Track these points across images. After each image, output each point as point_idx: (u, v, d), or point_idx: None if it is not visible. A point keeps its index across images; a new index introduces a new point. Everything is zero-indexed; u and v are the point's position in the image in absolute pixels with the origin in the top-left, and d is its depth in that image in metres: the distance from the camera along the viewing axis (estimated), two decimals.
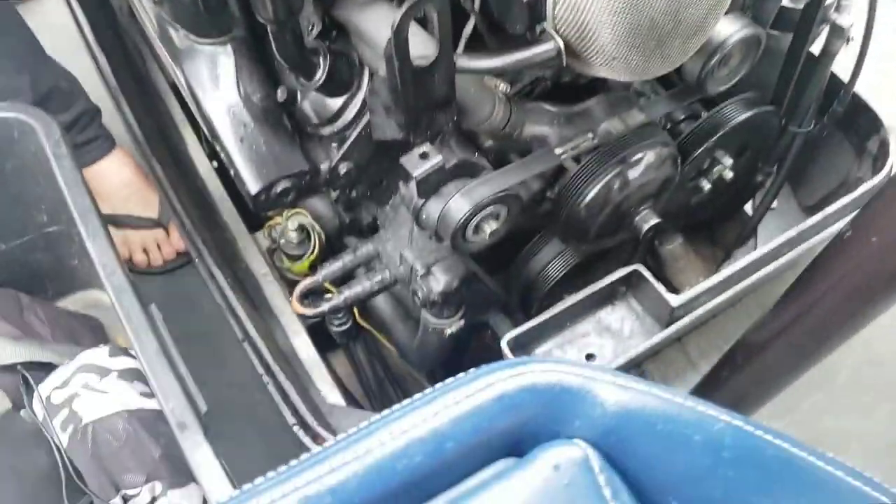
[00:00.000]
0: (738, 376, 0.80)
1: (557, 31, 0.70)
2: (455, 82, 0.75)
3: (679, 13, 0.69)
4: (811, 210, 1.27)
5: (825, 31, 1.00)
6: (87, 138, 1.36)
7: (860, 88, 1.11)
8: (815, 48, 1.02)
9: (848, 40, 1.00)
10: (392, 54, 0.67)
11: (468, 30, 0.84)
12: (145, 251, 1.39)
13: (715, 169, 1.06)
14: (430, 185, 0.81)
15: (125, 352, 0.91)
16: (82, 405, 0.84)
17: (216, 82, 0.89)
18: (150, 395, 0.90)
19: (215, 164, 1.25)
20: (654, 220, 0.93)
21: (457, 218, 0.78)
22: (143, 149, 1.13)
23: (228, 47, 0.88)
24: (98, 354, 0.88)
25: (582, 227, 0.91)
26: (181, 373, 0.72)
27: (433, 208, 0.82)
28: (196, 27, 0.86)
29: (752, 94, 1.01)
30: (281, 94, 0.88)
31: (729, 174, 1.06)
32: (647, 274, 0.91)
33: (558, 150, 0.83)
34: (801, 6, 0.87)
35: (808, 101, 1.08)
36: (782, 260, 1.00)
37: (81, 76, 1.44)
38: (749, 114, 0.99)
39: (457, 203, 0.79)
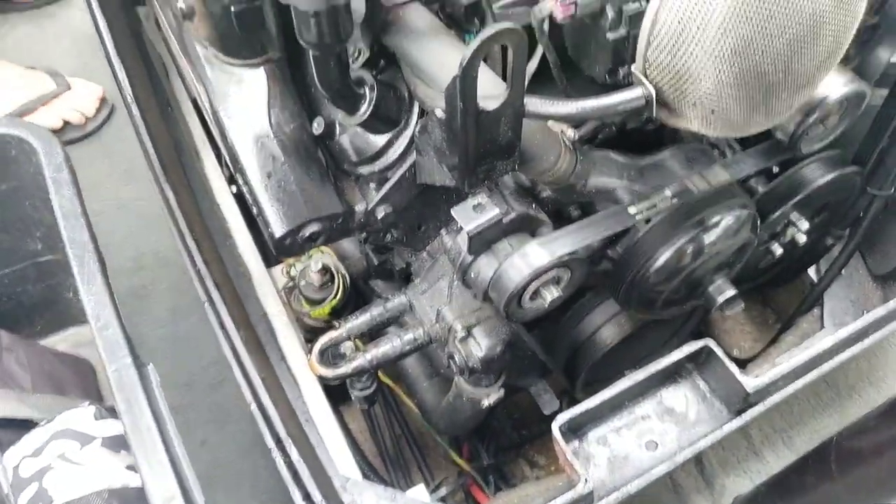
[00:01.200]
0: (830, 485, 0.68)
1: (648, 77, 0.60)
2: (521, 127, 0.65)
3: (791, 62, 0.59)
4: (882, 280, 1.16)
5: None
6: None
7: None
8: None
9: None
10: (456, 94, 0.57)
11: (532, 67, 0.74)
12: (66, 122, 1.46)
13: (789, 232, 0.95)
14: (483, 241, 0.71)
15: (113, 413, 0.80)
16: (55, 481, 0.72)
17: (245, 109, 0.79)
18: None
19: (234, 188, 1.15)
20: (731, 292, 0.82)
21: (514, 283, 0.68)
22: (154, 168, 1.03)
23: (261, 70, 0.78)
24: (81, 416, 0.77)
25: (648, 295, 0.81)
26: (175, 453, 0.61)
27: (485, 268, 0.72)
28: (227, 47, 0.76)
29: (835, 151, 0.90)
30: (317, 127, 0.78)
31: (802, 238, 0.96)
32: (719, 352, 0.80)
33: (633, 210, 0.73)
34: None
35: (892, 163, 0.97)
36: (867, 342, 0.88)
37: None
38: (833, 175, 0.88)
39: (514, 266, 0.69)
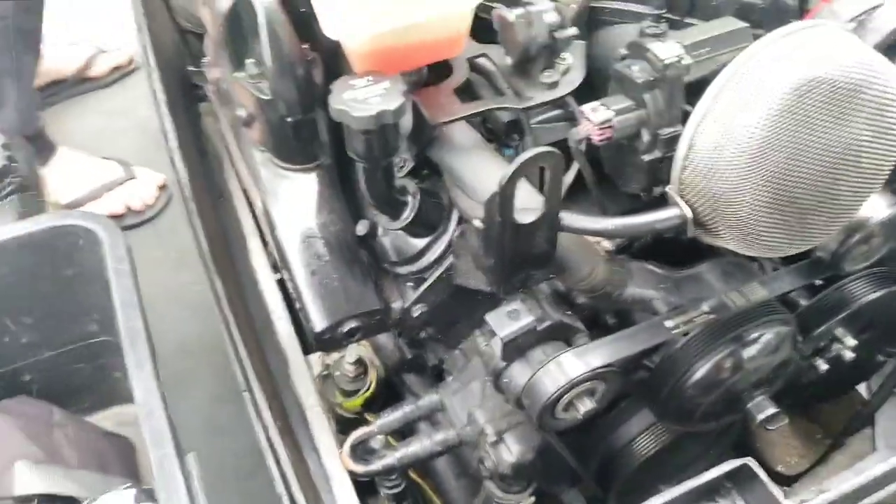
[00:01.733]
0: None
1: (683, 198, 0.62)
2: (557, 239, 0.66)
3: (829, 189, 0.60)
4: None
5: None
6: (34, 143, 1.47)
7: None
8: None
9: None
10: (494, 209, 0.60)
11: (569, 180, 0.77)
12: (128, 208, 1.55)
13: (834, 348, 0.93)
14: (517, 348, 0.71)
15: (152, 496, 0.81)
16: None
17: (295, 209, 0.83)
18: None
19: (278, 275, 1.19)
20: (771, 410, 0.80)
21: (547, 393, 0.67)
22: (204, 255, 1.08)
23: (313, 175, 0.83)
24: (122, 499, 0.78)
25: (685, 408, 0.79)
26: None
27: (518, 375, 0.72)
28: (282, 152, 0.82)
29: (883, 269, 0.89)
30: (361, 229, 0.81)
31: (849, 355, 0.93)
32: (759, 472, 0.77)
33: (669, 324, 0.72)
34: None
35: None
36: None
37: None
38: (881, 293, 0.87)
39: (549, 376, 0.69)
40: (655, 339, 0.72)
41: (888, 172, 0.63)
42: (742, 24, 0.65)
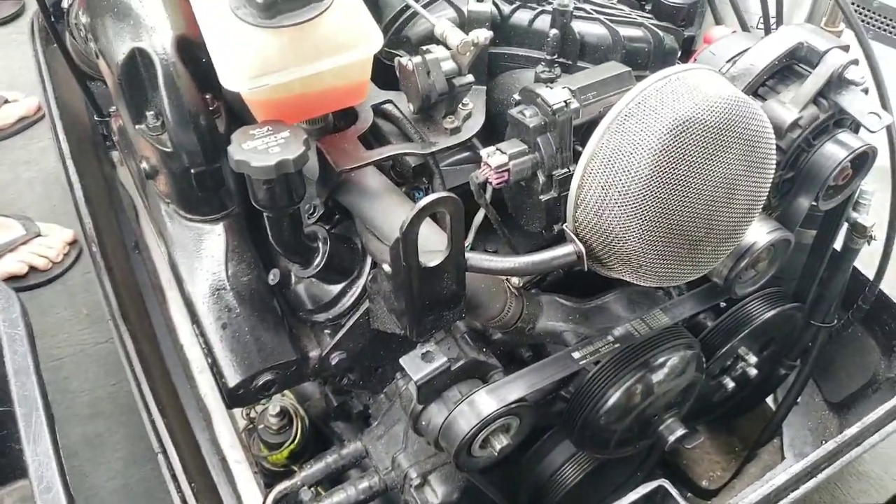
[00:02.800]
0: None
1: (578, 235, 0.64)
2: (465, 280, 0.68)
3: (711, 220, 0.64)
4: (837, 407, 1.18)
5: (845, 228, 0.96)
6: None
7: (885, 286, 1.06)
8: (837, 244, 0.98)
9: (870, 239, 0.97)
10: (399, 253, 0.61)
11: (478, 220, 0.79)
12: (32, 267, 1.49)
13: (738, 366, 0.97)
14: (433, 390, 0.72)
15: None
16: None
17: (202, 261, 0.81)
18: None
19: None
20: (681, 431, 0.83)
21: (462, 433, 0.68)
22: (113, 312, 1.04)
23: (220, 226, 0.82)
24: None
25: (600, 436, 0.81)
26: None
27: (435, 416, 0.72)
28: (187, 204, 0.81)
29: (776, 289, 0.95)
30: (273, 278, 0.81)
31: (753, 371, 0.98)
32: (673, 492, 0.79)
33: (577, 355, 0.75)
34: (827, 208, 0.82)
35: (831, 297, 1.02)
36: (821, 476, 0.89)
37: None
38: (774, 311, 0.92)
39: (462, 416, 0.70)
40: (564, 370, 0.74)
41: (763, 201, 0.68)
42: (625, 69, 0.69)
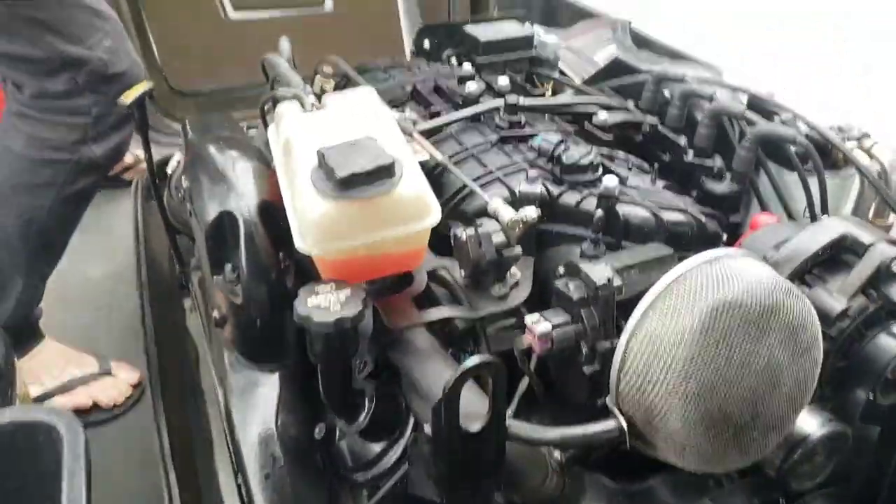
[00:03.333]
0: None
1: (621, 410, 0.65)
2: (505, 448, 0.68)
3: (757, 404, 0.63)
4: None
5: None
6: (22, 334, 1.45)
7: None
8: None
9: None
10: (441, 415, 0.62)
11: (523, 387, 0.80)
12: (96, 404, 1.51)
13: None
14: None
15: None
16: None
17: (255, 409, 0.85)
18: None
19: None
20: None
21: None
22: (164, 460, 1.06)
23: (275, 377, 0.86)
24: None
25: None
26: None
27: None
28: (251, 354, 0.86)
29: (835, 489, 0.89)
30: (318, 432, 0.83)
31: None
32: None
33: None
34: (888, 402, 0.79)
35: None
36: None
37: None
38: None
39: None
40: None
41: (811, 391, 0.67)
42: (668, 251, 0.72)
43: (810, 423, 0.74)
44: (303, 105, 0.81)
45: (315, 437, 0.82)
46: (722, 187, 0.91)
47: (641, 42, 2.67)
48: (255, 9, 2.01)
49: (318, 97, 0.88)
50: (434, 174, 0.88)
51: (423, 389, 0.73)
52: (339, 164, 0.67)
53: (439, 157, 0.85)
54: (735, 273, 0.63)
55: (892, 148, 0.99)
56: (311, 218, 0.68)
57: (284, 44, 1.07)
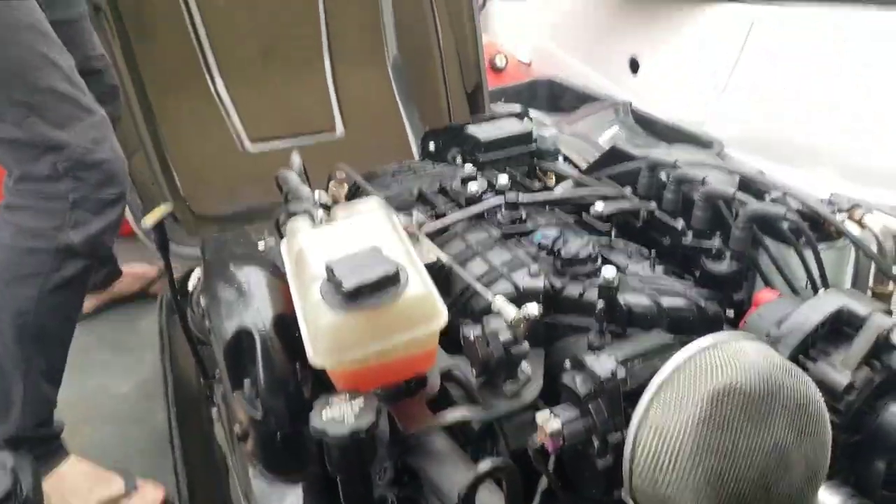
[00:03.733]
0: None
1: (636, 500, 0.65)
2: None
3: (769, 489, 0.64)
4: None
5: None
6: (43, 448, 1.45)
7: None
8: None
9: None
10: None
11: (543, 484, 0.80)
12: None
13: None
14: None
15: None
16: None
17: None
18: None
19: None
20: None
21: None
22: None
23: (299, 487, 0.87)
24: None
25: None
26: None
27: None
28: (273, 465, 0.87)
29: None
30: None
31: None
32: None
33: None
34: None
35: None
36: None
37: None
38: None
39: None
40: None
41: (825, 467, 0.67)
42: (669, 338, 0.74)
43: (832, 501, 0.74)
44: (313, 219, 0.87)
45: None
46: (722, 267, 0.94)
47: (643, 121, 2.77)
48: (270, 140, 2.13)
49: (329, 207, 0.93)
50: (442, 274, 0.92)
51: (442, 493, 0.74)
52: (346, 275, 0.72)
53: (444, 258, 0.89)
54: (733, 357, 0.65)
55: (885, 215, 1.02)
56: (322, 331, 0.71)
57: (296, 158, 1.14)
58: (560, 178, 1.32)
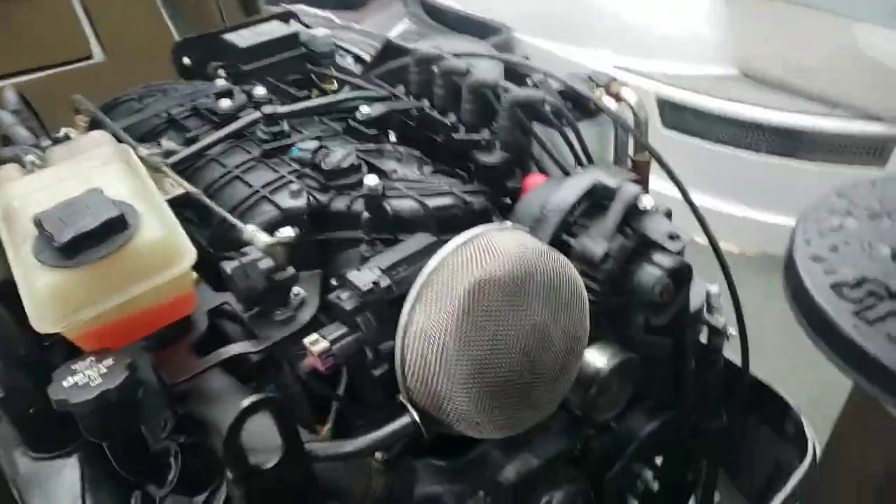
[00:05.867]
0: None
1: (413, 403, 0.66)
2: (314, 472, 0.67)
3: (534, 365, 0.66)
4: (756, 500, 1.18)
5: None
6: None
7: (760, 372, 1.10)
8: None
9: (727, 336, 1.02)
10: (230, 463, 0.60)
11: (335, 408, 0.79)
12: None
13: (637, 483, 0.97)
14: None
15: None
16: None
17: (59, 499, 0.78)
18: None
19: None
20: None
21: None
22: None
23: (74, 458, 0.79)
24: None
25: None
26: None
27: None
28: (35, 444, 0.78)
29: (650, 402, 0.97)
30: (135, 502, 0.77)
31: (654, 485, 0.98)
32: None
33: None
34: (663, 322, 0.87)
35: (707, 397, 1.05)
36: None
37: None
38: (654, 425, 0.94)
39: None
40: None
41: (584, 336, 0.71)
42: (432, 239, 0.73)
43: (599, 359, 0.80)
44: (22, 165, 0.74)
45: None
46: (492, 158, 0.94)
47: (433, 12, 2.70)
48: (13, 76, 1.80)
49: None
50: (198, 207, 0.84)
51: (223, 434, 0.70)
52: (59, 228, 0.62)
53: (192, 189, 0.81)
54: (486, 250, 0.66)
55: (637, 88, 1.07)
56: (40, 295, 0.62)
57: (9, 95, 0.97)
58: (342, 83, 1.25)
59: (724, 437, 1.10)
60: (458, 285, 0.63)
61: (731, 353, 1.09)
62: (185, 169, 0.89)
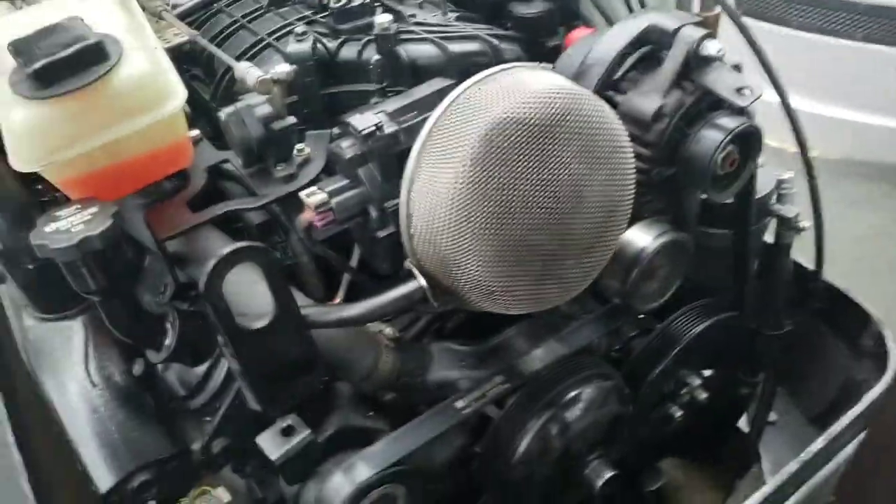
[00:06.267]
0: None
1: (421, 269, 0.58)
2: (312, 339, 0.61)
3: (562, 228, 0.57)
4: (817, 421, 1.07)
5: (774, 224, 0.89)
6: None
7: (835, 279, 0.97)
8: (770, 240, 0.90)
9: (799, 230, 0.89)
10: (213, 319, 0.54)
11: (345, 279, 0.72)
12: None
13: (683, 391, 0.88)
14: (301, 467, 0.63)
15: None
16: None
17: (62, 361, 0.76)
18: None
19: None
20: (609, 473, 0.73)
21: None
22: None
23: (79, 321, 0.76)
24: None
25: (520, 490, 0.72)
26: None
27: (309, 495, 0.64)
28: (39, 303, 0.75)
29: (707, 300, 0.86)
30: (137, 369, 0.74)
31: (702, 394, 0.88)
32: None
33: (460, 403, 0.66)
34: (725, 200, 0.75)
35: (773, 300, 0.93)
36: (798, 495, 0.78)
37: None
38: (706, 324, 0.83)
39: (334, 488, 0.61)
40: (445, 423, 0.65)
41: (626, 202, 0.61)
42: (448, 82, 0.63)
43: (644, 238, 0.69)
44: (11, 2, 0.68)
45: (135, 374, 0.74)
46: (531, 9, 0.82)
47: None
48: None
49: None
50: (203, 58, 0.77)
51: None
52: (34, 55, 0.56)
53: (191, 32, 0.73)
54: (509, 88, 0.55)
55: None
56: (15, 127, 0.56)
57: None
58: None
59: (789, 347, 0.99)
60: (474, 128, 0.53)
61: (803, 257, 0.96)
62: (192, 23, 0.81)
